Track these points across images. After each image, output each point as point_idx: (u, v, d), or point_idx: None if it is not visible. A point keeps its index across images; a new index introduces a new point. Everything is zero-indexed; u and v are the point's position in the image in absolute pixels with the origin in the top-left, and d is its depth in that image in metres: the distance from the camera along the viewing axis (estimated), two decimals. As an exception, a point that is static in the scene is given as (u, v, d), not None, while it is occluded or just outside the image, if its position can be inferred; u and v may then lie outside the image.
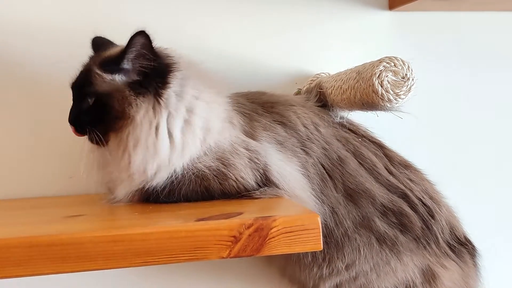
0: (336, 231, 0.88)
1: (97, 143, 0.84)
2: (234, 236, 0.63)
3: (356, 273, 0.90)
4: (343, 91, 0.92)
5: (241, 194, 0.83)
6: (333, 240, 0.88)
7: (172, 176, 0.83)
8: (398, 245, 0.90)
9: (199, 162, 0.84)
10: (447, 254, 0.94)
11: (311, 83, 1.07)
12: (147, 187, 0.84)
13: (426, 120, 1.14)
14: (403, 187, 0.93)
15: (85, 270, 0.61)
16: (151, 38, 0.82)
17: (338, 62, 1.10)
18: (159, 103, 0.83)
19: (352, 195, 0.90)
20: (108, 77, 0.84)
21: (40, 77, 1.05)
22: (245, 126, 0.90)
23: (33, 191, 1.04)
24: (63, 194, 1.05)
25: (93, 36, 0.93)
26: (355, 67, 0.92)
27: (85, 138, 0.86)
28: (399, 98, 0.83)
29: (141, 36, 0.81)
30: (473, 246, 0.98)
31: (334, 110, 0.98)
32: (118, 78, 0.84)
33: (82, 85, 0.86)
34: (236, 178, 0.83)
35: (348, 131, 0.95)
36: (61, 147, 1.02)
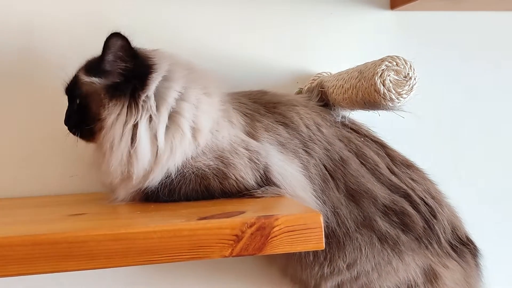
0: (337, 230, 0.88)
1: (89, 141, 0.89)
2: (236, 235, 0.63)
3: (357, 273, 0.90)
4: (345, 90, 0.92)
5: (242, 193, 0.83)
6: (334, 239, 0.88)
7: (170, 176, 0.83)
8: (400, 244, 0.90)
9: (198, 161, 0.84)
10: (449, 254, 0.94)
11: (313, 83, 1.07)
12: (144, 187, 0.84)
13: (427, 120, 1.14)
14: (405, 187, 0.93)
15: (88, 268, 0.61)
16: (129, 39, 0.83)
17: (339, 61, 1.10)
18: (136, 105, 0.83)
19: (354, 195, 0.90)
20: (87, 79, 0.85)
21: (41, 77, 1.05)
22: (245, 126, 0.90)
23: (35, 190, 1.04)
24: (65, 193, 1.05)
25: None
26: (357, 66, 0.92)
27: None
28: (401, 97, 0.83)
29: (117, 38, 0.82)
30: (475, 246, 0.98)
31: (335, 109, 0.97)
32: (98, 80, 0.85)
33: (71, 87, 0.89)
34: (236, 177, 0.83)
35: (350, 130, 0.95)
36: (63, 146, 1.02)
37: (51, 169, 1.05)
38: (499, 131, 1.22)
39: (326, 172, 0.90)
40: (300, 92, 1.08)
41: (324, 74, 1.10)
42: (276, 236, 0.64)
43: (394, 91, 0.83)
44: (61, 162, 1.05)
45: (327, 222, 0.87)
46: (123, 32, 0.82)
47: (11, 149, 1.05)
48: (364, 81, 0.86)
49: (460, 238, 0.96)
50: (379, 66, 0.83)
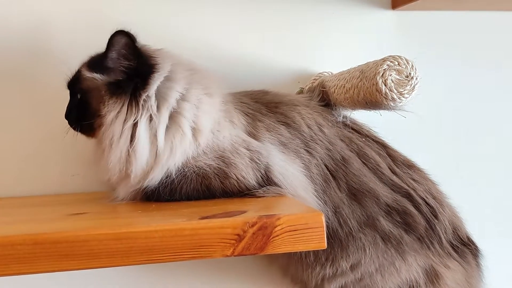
0: (339, 230, 0.88)
1: (89, 137, 0.89)
2: (238, 235, 0.63)
3: (361, 274, 0.90)
4: (346, 90, 0.92)
5: (243, 193, 0.83)
6: (336, 240, 0.88)
7: (171, 175, 0.83)
8: (403, 244, 0.90)
9: (199, 161, 0.84)
10: (450, 254, 0.93)
11: (314, 82, 1.07)
12: (144, 187, 0.84)
13: (428, 120, 1.13)
14: (406, 187, 0.93)
15: (89, 267, 0.61)
16: (133, 37, 0.83)
17: (340, 61, 1.10)
18: (137, 104, 0.83)
19: (356, 194, 0.90)
20: (89, 75, 0.85)
21: (42, 76, 1.05)
22: (247, 126, 0.90)
23: (36, 189, 1.04)
24: (65, 192, 1.05)
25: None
26: (358, 66, 0.92)
27: None
28: (403, 97, 0.83)
29: (122, 36, 0.82)
30: (476, 246, 0.98)
31: (337, 109, 0.97)
32: (100, 76, 0.85)
33: (73, 82, 0.89)
34: (237, 177, 0.83)
35: (351, 130, 0.95)
36: (63, 146, 1.02)
37: (51, 168, 1.05)
38: (501, 131, 1.22)
39: (328, 172, 0.90)
40: (301, 92, 1.08)
41: (325, 73, 1.10)
42: (277, 235, 0.64)
43: (396, 91, 0.83)
44: (62, 161, 1.05)
45: (328, 222, 0.87)
46: (128, 29, 0.82)
47: (11, 148, 1.05)
48: (366, 81, 0.86)
49: (461, 239, 0.96)
50: (381, 65, 0.83)
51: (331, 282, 0.91)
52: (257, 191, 0.83)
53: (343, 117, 0.96)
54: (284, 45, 1.13)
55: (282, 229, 0.64)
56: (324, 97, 0.99)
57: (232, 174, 0.83)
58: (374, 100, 0.85)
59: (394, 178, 0.94)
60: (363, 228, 0.89)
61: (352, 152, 0.93)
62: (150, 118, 0.83)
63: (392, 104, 0.84)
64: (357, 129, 0.96)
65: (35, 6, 1.04)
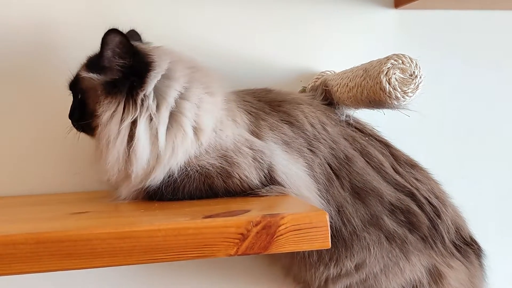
0: (343, 229, 0.87)
1: (91, 136, 0.89)
2: (241, 234, 0.62)
3: (366, 275, 0.89)
4: (350, 89, 0.91)
5: (246, 192, 0.83)
6: (340, 239, 0.87)
7: (173, 174, 0.82)
8: (407, 244, 0.89)
9: (202, 160, 0.83)
10: (453, 254, 0.93)
11: (316, 81, 1.07)
12: (146, 186, 0.83)
13: (431, 119, 1.13)
14: (409, 186, 0.93)
15: (92, 267, 0.60)
16: (127, 35, 0.82)
17: (343, 60, 1.10)
18: (134, 103, 0.82)
19: (360, 193, 0.89)
20: (86, 75, 0.85)
21: (44, 75, 1.05)
22: (250, 125, 0.89)
23: (37, 188, 1.04)
24: (67, 191, 1.05)
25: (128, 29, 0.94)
26: (362, 64, 0.92)
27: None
28: (407, 96, 0.83)
29: (115, 34, 0.81)
30: (479, 246, 0.98)
31: (340, 108, 0.97)
32: (97, 76, 0.84)
33: (73, 83, 0.89)
34: (240, 176, 0.83)
35: (354, 129, 0.95)
36: (66, 145, 1.02)
37: (53, 167, 1.05)
38: (503, 131, 1.22)
39: (331, 171, 0.90)
40: (303, 90, 1.08)
41: (328, 72, 1.09)
42: (281, 234, 0.63)
43: (399, 90, 0.82)
44: (63, 160, 1.05)
45: (331, 221, 0.86)
46: (120, 28, 0.81)
47: (13, 147, 1.04)
48: (370, 80, 0.85)
49: (464, 238, 0.96)
50: (384, 64, 0.83)
51: (335, 283, 0.91)
52: (260, 191, 0.82)
53: (346, 116, 0.96)
54: (286, 43, 1.13)
55: (286, 228, 0.63)
56: (326, 96, 0.99)
57: (235, 173, 0.83)
58: (377, 99, 0.85)
59: (397, 177, 0.93)
60: (367, 227, 0.88)
61: (355, 151, 0.92)
62: (150, 118, 0.82)
63: (396, 103, 0.84)
64: (360, 128, 0.96)
65: (37, 5, 1.04)
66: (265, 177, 0.84)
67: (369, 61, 0.90)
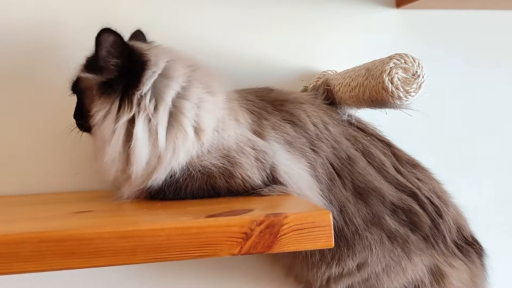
0: (345, 229, 0.87)
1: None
2: (245, 233, 0.62)
3: (368, 274, 0.89)
4: (352, 88, 0.91)
5: (248, 192, 0.83)
6: (342, 238, 0.87)
7: (175, 174, 0.82)
8: (409, 243, 0.89)
9: (204, 160, 0.83)
10: (455, 254, 0.93)
11: (318, 81, 1.07)
12: (148, 186, 0.83)
13: (433, 119, 1.13)
14: (411, 186, 0.93)
15: (95, 266, 0.60)
16: (121, 34, 0.81)
17: (344, 59, 1.10)
18: (130, 103, 0.82)
19: (362, 193, 0.89)
20: (84, 75, 0.85)
21: (45, 74, 1.04)
22: (252, 124, 0.89)
23: (38, 187, 1.04)
24: (67, 190, 1.05)
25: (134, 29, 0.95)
26: (364, 64, 0.92)
27: None
28: (409, 95, 0.82)
29: (108, 33, 0.81)
30: (480, 246, 0.98)
31: (341, 107, 0.97)
32: (94, 76, 0.84)
33: (74, 83, 0.89)
34: (242, 177, 0.83)
35: (356, 129, 0.95)
36: (66, 144, 1.02)
37: (53, 166, 1.05)
38: (505, 131, 1.22)
39: (333, 171, 0.90)
40: (305, 90, 1.08)
41: (329, 72, 1.09)
42: (285, 234, 0.63)
43: (402, 89, 0.82)
44: (63, 160, 1.04)
45: (333, 221, 0.86)
46: (113, 27, 0.81)
47: (13, 147, 1.04)
48: (372, 79, 0.85)
49: (465, 238, 0.96)
50: (387, 63, 0.83)
51: (337, 283, 0.91)
52: (263, 190, 0.82)
53: (348, 116, 0.95)
54: (288, 43, 1.12)
55: (289, 227, 0.63)
56: (328, 95, 0.99)
57: (238, 173, 0.83)
58: (380, 98, 0.85)
59: (399, 177, 0.93)
60: (369, 227, 0.88)
61: (357, 151, 0.92)
62: (149, 118, 0.82)
63: (398, 103, 0.84)
64: (362, 128, 0.96)
65: (37, 5, 1.04)
66: (267, 177, 0.84)
67: (372, 60, 0.90)
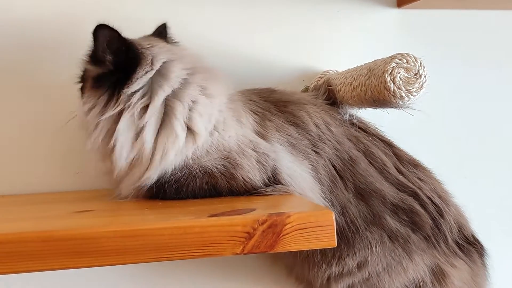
0: (346, 230, 0.87)
1: None
2: (247, 232, 0.62)
3: (368, 274, 0.89)
4: (353, 88, 0.91)
5: (250, 192, 0.82)
6: (343, 239, 0.87)
7: (176, 173, 0.82)
8: (410, 243, 0.89)
9: (204, 160, 0.82)
10: (456, 253, 0.93)
11: (319, 80, 1.07)
12: (144, 185, 0.83)
13: (434, 119, 1.13)
14: (412, 186, 0.93)
15: (98, 265, 0.60)
16: (118, 30, 0.81)
17: (345, 59, 1.10)
18: (116, 99, 0.81)
19: (363, 194, 0.89)
20: (87, 66, 0.86)
21: (45, 74, 1.04)
22: (255, 125, 0.88)
23: (38, 187, 1.04)
24: (67, 189, 1.04)
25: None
26: (366, 64, 0.92)
27: None
28: (411, 95, 0.83)
29: (104, 28, 0.80)
30: (482, 245, 0.98)
31: (343, 107, 0.97)
32: (94, 68, 0.84)
33: (81, 76, 0.89)
34: (243, 178, 0.82)
35: (358, 129, 0.95)
36: (67, 143, 1.02)
37: (53, 166, 1.04)
38: (505, 130, 1.22)
39: (335, 173, 0.90)
40: (306, 90, 1.08)
41: (331, 71, 1.09)
42: (287, 233, 0.63)
43: (404, 89, 0.82)
44: (63, 159, 1.04)
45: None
46: (108, 22, 0.81)
47: (14, 146, 1.04)
48: (374, 79, 0.85)
49: (466, 238, 0.96)
50: (389, 63, 0.83)
51: (338, 282, 0.91)
52: (265, 189, 0.82)
53: (349, 116, 0.95)
54: (289, 42, 1.12)
55: (292, 227, 0.63)
56: (329, 95, 0.99)
57: (239, 175, 0.82)
58: (382, 98, 0.85)
59: (400, 177, 0.93)
60: (370, 227, 0.88)
61: (359, 151, 0.92)
62: (136, 115, 0.81)
63: (400, 102, 0.84)
64: (363, 128, 0.96)
65: (38, 5, 1.04)
66: (269, 179, 0.83)
67: (373, 60, 0.90)
